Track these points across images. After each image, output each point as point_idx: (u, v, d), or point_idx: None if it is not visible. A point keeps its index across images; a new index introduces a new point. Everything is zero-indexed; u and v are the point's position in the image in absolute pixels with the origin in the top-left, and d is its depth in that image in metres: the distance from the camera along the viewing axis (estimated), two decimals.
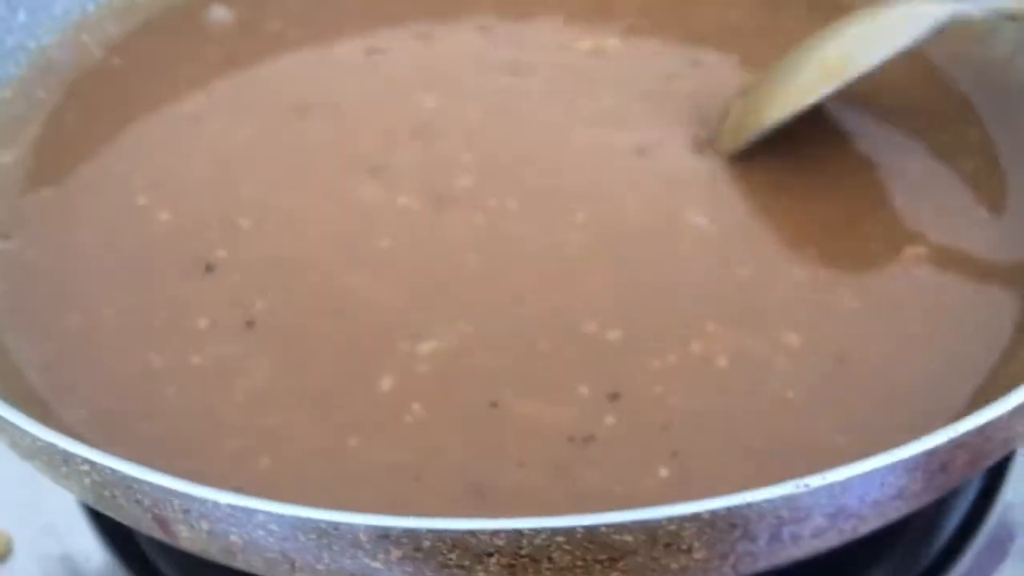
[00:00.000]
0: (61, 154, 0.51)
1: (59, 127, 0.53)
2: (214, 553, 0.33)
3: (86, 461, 0.32)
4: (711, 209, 0.49)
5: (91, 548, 0.46)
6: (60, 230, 0.48)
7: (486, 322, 0.45)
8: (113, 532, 0.47)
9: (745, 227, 0.49)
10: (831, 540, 0.35)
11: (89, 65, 0.55)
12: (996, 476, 0.48)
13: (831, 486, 0.31)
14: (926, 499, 0.35)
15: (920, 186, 0.50)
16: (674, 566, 0.32)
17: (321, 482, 0.40)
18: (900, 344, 0.44)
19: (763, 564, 0.34)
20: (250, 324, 0.45)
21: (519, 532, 0.30)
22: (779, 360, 0.44)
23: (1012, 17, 0.50)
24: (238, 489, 0.38)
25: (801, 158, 0.51)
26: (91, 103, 0.54)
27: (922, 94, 0.54)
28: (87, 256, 0.47)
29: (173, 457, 0.40)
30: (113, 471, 0.32)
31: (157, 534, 0.34)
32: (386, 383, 0.43)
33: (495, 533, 0.30)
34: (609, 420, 0.42)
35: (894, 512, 0.35)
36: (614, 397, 0.43)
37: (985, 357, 0.44)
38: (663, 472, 0.40)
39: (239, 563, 0.33)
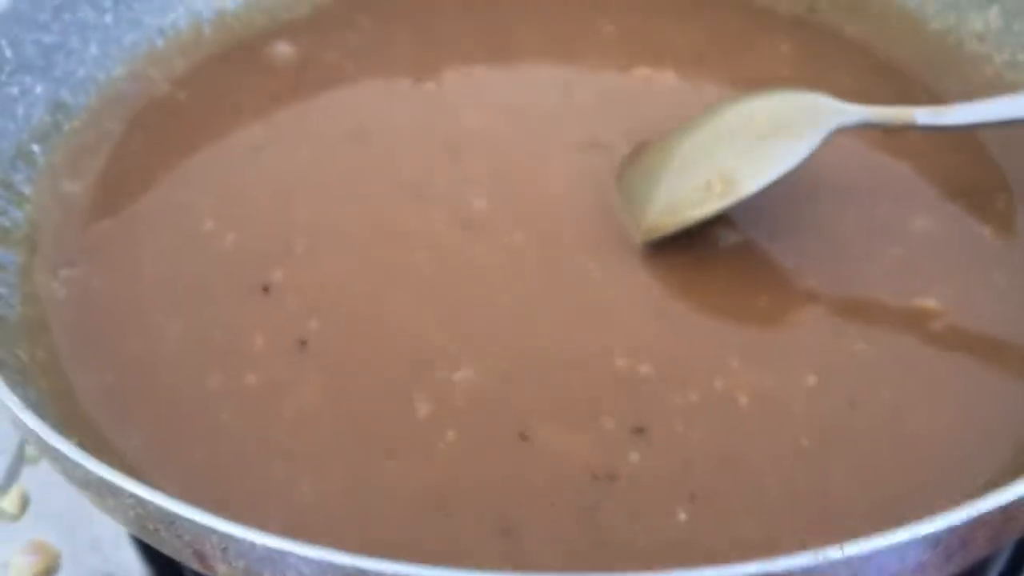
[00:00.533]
0: (126, 184, 0.51)
1: (125, 158, 0.52)
2: None
3: (132, 496, 0.32)
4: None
5: (135, 568, 0.47)
6: (124, 258, 0.48)
7: (520, 354, 0.45)
8: (157, 554, 0.45)
9: (764, 257, 0.49)
10: None
11: (155, 97, 0.55)
12: None
13: (848, 558, 0.31)
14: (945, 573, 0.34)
15: (937, 243, 0.49)
16: None
17: (355, 511, 0.40)
18: (910, 397, 0.43)
19: None
20: (303, 344, 0.45)
21: None
22: (796, 402, 0.43)
23: (885, 128, 0.49)
24: (280, 515, 0.40)
25: (821, 199, 0.51)
26: (156, 134, 0.54)
27: (952, 153, 0.52)
28: (150, 282, 0.47)
29: (222, 482, 0.40)
30: (157, 507, 0.32)
31: (196, 567, 0.33)
32: (423, 409, 0.43)
33: None
34: (633, 456, 0.41)
35: None
36: (639, 432, 0.42)
37: (1000, 422, 0.42)
38: (682, 516, 0.39)
39: None
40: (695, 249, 0.49)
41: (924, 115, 0.48)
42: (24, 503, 0.50)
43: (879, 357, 0.45)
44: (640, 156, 0.52)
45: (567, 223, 0.50)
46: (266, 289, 0.47)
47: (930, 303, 0.46)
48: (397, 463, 0.42)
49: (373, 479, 0.41)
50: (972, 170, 0.52)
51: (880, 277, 0.48)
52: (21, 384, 0.39)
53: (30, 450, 0.51)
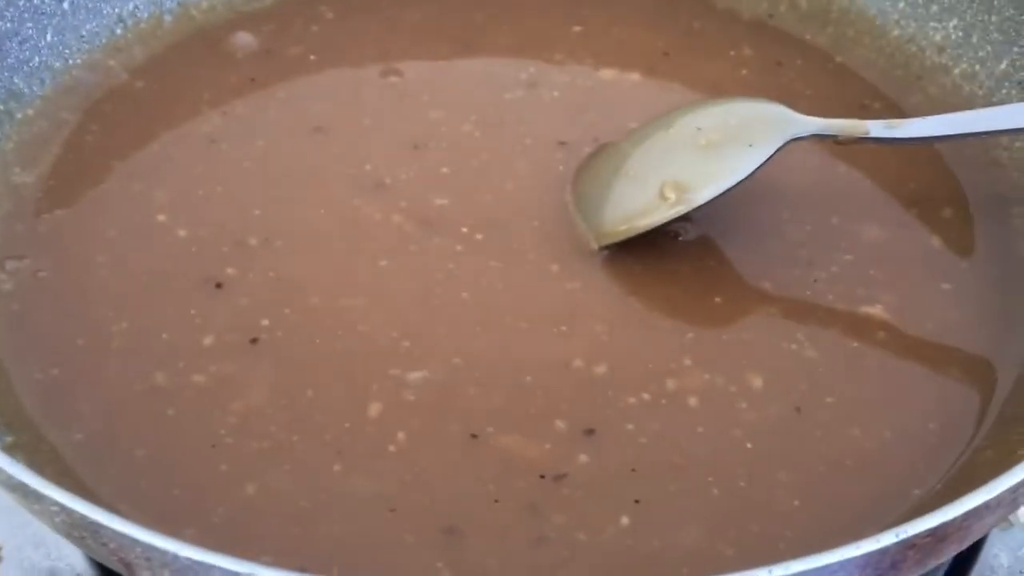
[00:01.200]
0: (80, 175, 0.50)
1: (79, 148, 0.51)
2: None
3: (56, 503, 0.31)
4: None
5: (78, 563, 0.45)
6: (74, 250, 0.47)
7: (475, 353, 0.44)
8: None
9: (721, 257, 0.48)
10: None
11: (113, 87, 0.54)
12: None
13: None
14: None
15: (887, 252, 0.48)
16: None
17: (301, 511, 0.39)
18: (853, 404, 0.43)
19: None
20: (254, 342, 0.44)
21: None
22: (744, 405, 0.42)
23: (837, 140, 0.48)
24: (223, 514, 0.39)
25: (780, 202, 0.50)
26: (112, 125, 0.52)
27: (907, 163, 0.51)
28: (100, 276, 0.46)
29: (164, 480, 0.39)
30: (81, 516, 0.30)
31: (124, 574, 0.33)
32: (374, 409, 0.42)
33: None
34: (582, 458, 0.41)
35: None
36: (589, 433, 0.41)
37: (939, 434, 0.42)
38: (624, 520, 0.39)
39: None
40: (654, 245, 0.48)
41: (878, 128, 0.48)
42: None
43: (825, 363, 0.44)
44: (594, 160, 0.51)
45: (528, 223, 0.50)
46: (219, 285, 0.46)
47: (876, 311, 0.46)
48: (344, 464, 0.41)
49: (320, 479, 0.40)
50: (925, 180, 0.52)
51: (830, 283, 0.48)
52: None
53: None
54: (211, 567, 0.29)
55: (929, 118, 0.49)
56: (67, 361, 0.43)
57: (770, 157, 0.47)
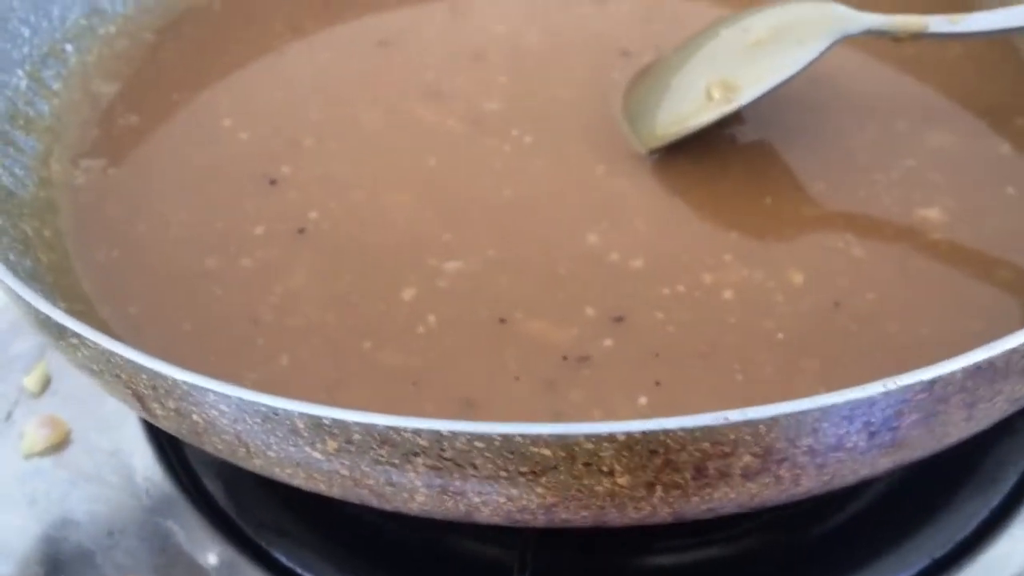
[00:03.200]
0: (156, 86, 0.53)
1: (157, 64, 0.54)
2: (186, 434, 0.34)
3: (75, 335, 0.33)
4: None
5: (139, 447, 0.48)
6: (143, 151, 0.49)
7: (513, 245, 0.45)
8: (158, 434, 0.48)
9: (777, 159, 0.48)
10: (772, 489, 0.32)
11: (191, 7, 0.56)
12: None
13: (753, 422, 0.29)
14: (877, 463, 0.32)
15: (952, 157, 0.47)
16: (598, 488, 0.30)
17: (328, 380, 0.40)
18: (894, 301, 0.41)
19: (697, 504, 0.32)
20: (301, 231, 0.45)
21: (439, 433, 0.29)
22: (780, 299, 0.42)
23: (894, 36, 0.46)
24: (255, 381, 0.40)
25: (842, 109, 0.49)
26: (189, 42, 0.55)
27: (983, 68, 0.50)
28: (165, 173, 0.48)
29: (205, 351, 0.41)
30: (95, 345, 0.32)
31: (141, 413, 0.34)
32: (408, 294, 0.43)
33: (417, 432, 0.29)
34: (607, 342, 0.41)
35: (840, 468, 0.32)
36: (618, 320, 0.41)
37: (978, 336, 0.38)
38: (642, 400, 0.39)
39: (206, 446, 0.34)
40: (709, 148, 0.48)
41: (938, 22, 0.46)
42: (45, 383, 0.51)
43: (872, 261, 0.43)
44: (647, 70, 0.51)
45: (580, 128, 0.50)
46: (273, 182, 0.48)
47: (932, 213, 0.45)
48: (374, 341, 0.42)
49: (350, 354, 0.42)
50: (1002, 86, 0.50)
51: (887, 187, 0.46)
52: (19, 253, 0.40)
53: None
54: (206, 391, 0.31)
55: (994, 11, 0.46)
56: (127, 245, 0.46)
57: (821, 54, 0.46)
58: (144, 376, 0.32)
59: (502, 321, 0.42)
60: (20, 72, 0.49)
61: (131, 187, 0.48)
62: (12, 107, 0.48)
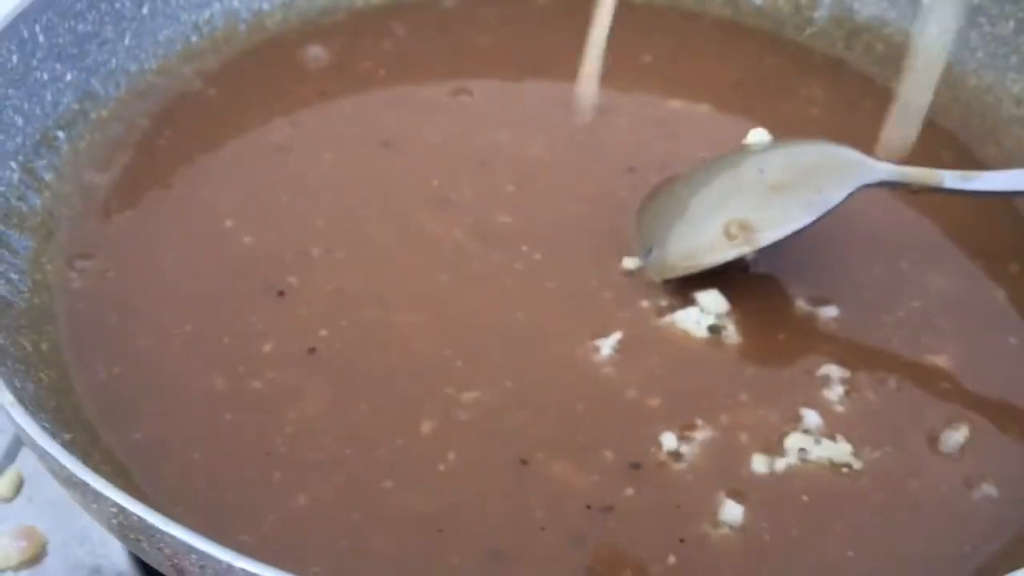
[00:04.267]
0: (150, 178, 0.51)
1: (151, 152, 0.52)
2: None
3: (115, 504, 0.31)
4: None
5: (122, 563, 0.45)
6: (141, 252, 0.47)
7: (529, 376, 0.44)
8: None
9: (787, 293, 0.48)
10: None
11: (186, 93, 0.55)
12: None
13: None
14: None
15: (953, 302, 0.48)
16: None
17: (351, 524, 0.39)
18: (913, 455, 0.42)
19: None
20: (311, 351, 0.44)
21: None
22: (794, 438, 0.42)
23: (909, 188, 0.47)
24: (273, 522, 0.39)
25: (850, 243, 0.49)
26: (184, 130, 0.53)
27: (977, 214, 0.50)
28: (165, 279, 0.46)
29: (218, 487, 0.40)
30: (139, 519, 0.31)
31: None
32: (426, 427, 0.42)
33: None
34: (628, 491, 0.41)
35: None
36: (635, 467, 0.41)
37: (998, 495, 0.41)
38: (671, 559, 0.39)
39: None
40: (720, 275, 0.47)
41: (952, 179, 0.48)
42: (18, 486, 0.49)
43: (887, 410, 0.44)
44: (659, 193, 0.51)
45: (589, 247, 0.50)
46: (281, 293, 0.47)
47: (941, 361, 0.46)
48: (395, 480, 0.41)
49: (371, 494, 0.41)
50: (995, 232, 0.51)
51: (896, 328, 0.47)
52: (22, 375, 0.38)
53: None
54: None
55: (1005, 172, 0.48)
56: (129, 361, 0.44)
57: (840, 203, 0.46)
58: (193, 556, 0.30)
59: (523, 463, 0.42)
60: (13, 164, 0.47)
61: (130, 294, 0.46)
62: (6, 204, 0.46)
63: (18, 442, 0.50)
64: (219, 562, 0.30)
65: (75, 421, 0.41)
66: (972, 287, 0.49)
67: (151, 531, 0.31)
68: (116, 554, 0.46)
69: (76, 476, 0.32)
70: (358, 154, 0.53)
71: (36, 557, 0.46)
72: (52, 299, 0.45)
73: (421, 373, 0.44)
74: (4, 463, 0.50)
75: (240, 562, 0.30)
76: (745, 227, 0.46)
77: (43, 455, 0.33)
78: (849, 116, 0.57)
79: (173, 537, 0.30)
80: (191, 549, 0.30)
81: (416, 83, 0.58)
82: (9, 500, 0.49)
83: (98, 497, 0.32)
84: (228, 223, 0.49)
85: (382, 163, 0.53)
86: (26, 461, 0.50)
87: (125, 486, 0.35)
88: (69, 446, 0.36)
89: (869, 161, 0.47)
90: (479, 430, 0.42)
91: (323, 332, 0.45)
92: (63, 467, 0.32)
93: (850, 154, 0.48)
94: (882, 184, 0.47)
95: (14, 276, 0.44)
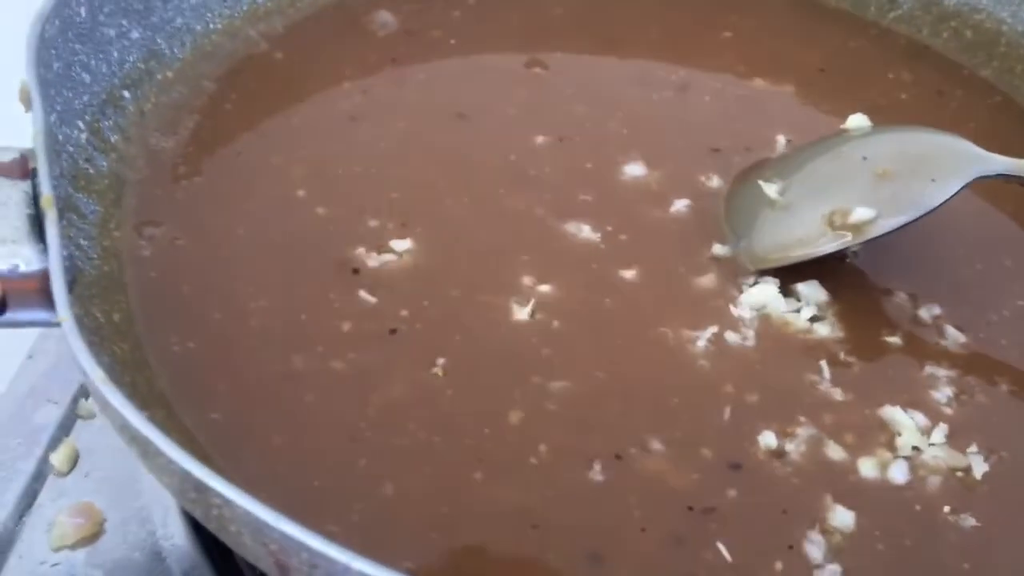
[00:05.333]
0: (219, 143, 0.48)
1: (218, 116, 0.49)
2: None
3: (220, 496, 0.29)
4: None
5: (183, 545, 0.43)
6: (212, 220, 0.45)
7: (620, 366, 0.42)
8: (209, 533, 0.41)
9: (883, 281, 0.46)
10: None
11: (252, 56, 0.52)
12: None
13: None
14: None
15: None
16: None
17: (441, 517, 0.37)
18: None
19: None
20: (393, 332, 0.42)
21: None
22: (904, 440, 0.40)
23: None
24: (361, 513, 0.37)
25: (944, 234, 0.47)
26: (251, 94, 0.50)
27: None
28: (239, 249, 0.44)
29: (302, 473, 0.38)
30: (246, 513, 0.29)
31: (273, 575, 0.31)
32: (515, 416, 0.40)
33: None
34: (731, 493, 0.38)
35: None
36: (735, 468, 0.39)
37: None
38: (778, 566, 0.37)
39: None
40: (818, 263, 0.45)
41: None
42: (74, 460, 0.46)
43: (999, 414, 0.42)
44: (750, 178, 0.48)
45: (677, 230, 0.47)
46: (356, 271, 0.44)
47: None
48: (485, 472, 0.39)
49: (460, 487, 0.38)
50: None
51: (1002, 327, 0.45)
52: (96, 347, 0.36)
53: (85, 405, 0.48)
54: None
55: None
56: (204, 335, 0.41)
57: (954, 195, 0.44)
58: (304, 555, 0.28)
59: (618, 457, 0.39)
60: (80, 124, 0.44)
61: (202, 263, 0.44)
62: (74, 165, 0.43)
63: (72, 415, 0.48)
64: (334, 562, 0.27)
65: (151, 397, 0.38)
66: None
67: (259, 525, 0.29)
68: (178, 534, 0.44)
69: (177, 464, 0.29)
70: (432, 125, 0.51)
71: (94, 536, 0.44)
72: (122, 267, 0.42)
73: (507, 359, 0.42)
74: (58, 436, 0.47)
75: (359, 564, 0.27)
76: (852, 217, 0.44)
77: (137, 439, 0.31)
78: (939, 104, 0.55)
79: (284, 534, 0.28)
80: (303, 546, 0.28)
81: (489, 53, 0.56)
82: (64, 474, 0.46)
83: (201, 487, 0.29)
84: (300, 192, 0.47)
85: (457, 135, 0.51)
86: (81, 434, 0.48)
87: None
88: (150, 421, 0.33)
89: (983, 152, 0.45)
90: (569, 421, 0.40)
91: (403, 312, 0.43)
92: (160, 453, 0.30)
93: (963, 144, 0.45)
94: (998, 177, 0.45)
95: (84, 242, 0.41)
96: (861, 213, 0.44)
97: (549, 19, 0.58)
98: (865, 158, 0.46)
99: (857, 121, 0.49)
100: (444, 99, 0.52)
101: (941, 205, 0.44)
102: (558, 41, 0.56)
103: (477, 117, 0.51)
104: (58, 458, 0.46)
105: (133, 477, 0.45)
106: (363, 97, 0.52)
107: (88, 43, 0.46)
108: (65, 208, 0.41)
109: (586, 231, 0.46)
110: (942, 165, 0.45)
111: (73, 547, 0.44)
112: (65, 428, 0.48)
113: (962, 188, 0.44)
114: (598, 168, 0.49)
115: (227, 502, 0.29)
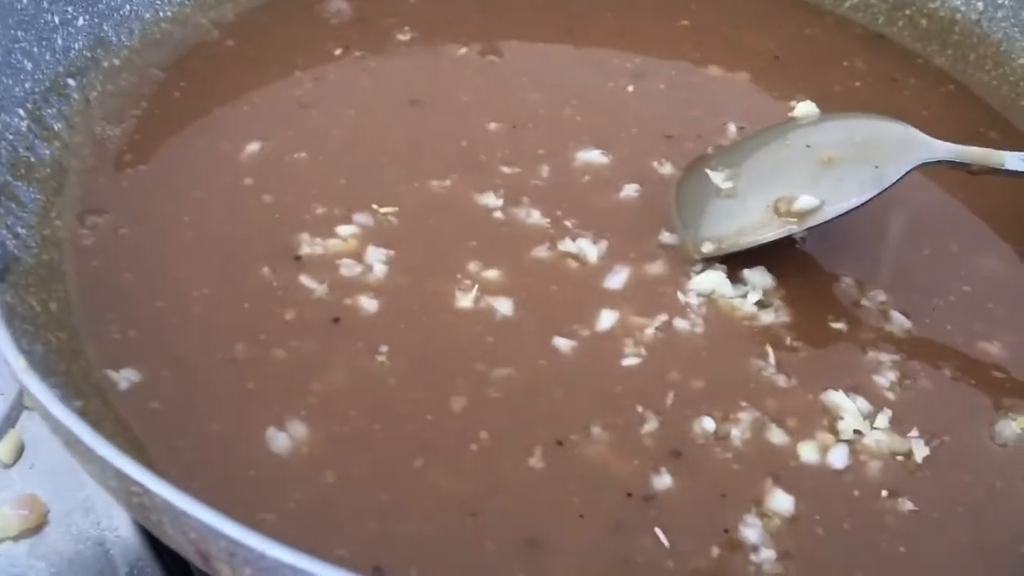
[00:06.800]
0: (166, 131, 0.48)
1: (166, 104, 0.49)
2: None
3: (138, 484, 0.29)
4: None
5: (128, 535, 0.42)
6: (158, 208, 0.44)
7: (563, 354, 0.41)
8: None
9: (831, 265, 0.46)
10: None
11: (202, 44, 0.52)
12: None
13: None
14: None
15: (1004, 287, 0.46)
16: None
17: (380, 505, 0.36)
18: (967, 449, 0.40)
19: None
20: (335, 321, 0.41)
21: None
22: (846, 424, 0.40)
23: (968, 168, 0.45)
24: (300, 500, 0.36)
25: (892, 219, 0.47)
26: (200, 82, 0.50)
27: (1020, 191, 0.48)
28: (183, 237, 0.44)
29: (239, 460, 0.37)
30: (164, 501, 0.28)
31: (197, 564, 0.30)
32: (457, 403, 0.40)
33: None
34: (669, 480, 0.38)
35: None
36: (676, 455, 0.39)
37: None
38: (715, 551, 0.36)
39: None
40: (768, 253, 0.45)
41: (1013, 160, 0.45)
42: (18, 452, 0.46)
43: (941, 399, 0.42)
44: (699, 167, 0.48)
45: (626, 216, 0.47)
46: (298, 259, 0.43)
47: (994, 348, 0.44)
48: (426, 459, 0.38)
49: (400, 474, 0.38)
50: None
51: (948, 312, 0.45)
52: (30, 336, 0.35)
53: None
54: (300, 571, 0.27)
55: None
56: (145, 322, 0.41)
57: (898, 181, 0.44)
58: (223, 542, 0.28)
59: (559, 444, 0.39)
60: (21, 111, 0.44)
61: (145, 252, 0.44)
62: (13, 153, 0.43)
63: (19, 406, 0.47)
64: (250, 550, 0.27)
65: (87, 387, 0.38)
66: (1021, 272, 0.47)
67: (176, 513, 0.28)
68: (122, 526, 0.44)
69: (94, 452, 0.29)
70: (384, 112, 0.50)
71: (37, 527, 0.44)
72: (62, 256, 0.42)
73: (450, 347, 0.42)
74: (4, 427, 0.47)
75: (274, 551, 0.27)
76: (797, 204, 0.43)
77: (57, 427, 0.30)
78: (892, 92, 0.54)
79: (201, 521, 0.27)
80: (220, 534, 0.27)
81: (443, 41, 0.55)
82: (9, 466, 0.46)
83: (120, 476, 0.29)
84: (247, 180, 0.46)
85: (409, 122, 0.50)
86: (27, 425, 0.47)
87: (140, 459, 0.32)
88: (81, 415, 0.33)
89: (928, 139, 0.45)
90: (511, 409, 0.40)
91: (348, 301, 0.42)
92: (79, 441, 0.29)
93: (907, 131, 0.45)
94: (940, 163, 0.45)
95: (21, 231, 0.41)
96: (806, 200, 0.44)
97: (505, 7, 0.57)
98: (809, 146, 0.45)
99: (805, 109, 0.48)
100: (397, 86, 0.52)
101: (885, 191, 0.44)
102: (514, 29, 0.56)
103: (430, 104, 0.51)
104: (3, 449, 0.46)
105: (77, 469, 0.44)
106: (315, 84, 0.51)
107: (30, 30, 0.45)
108: (1, 196, 0.40)
109: (535, 216, 0.46)
110: (886, 152, 0.44)
111: (16, 539, 0.43)
112: (11, 420, 0.47)
113: (905, 174, 0.44)
114: (550, 154, 0.49)
115: (145, 491, 0.28)
